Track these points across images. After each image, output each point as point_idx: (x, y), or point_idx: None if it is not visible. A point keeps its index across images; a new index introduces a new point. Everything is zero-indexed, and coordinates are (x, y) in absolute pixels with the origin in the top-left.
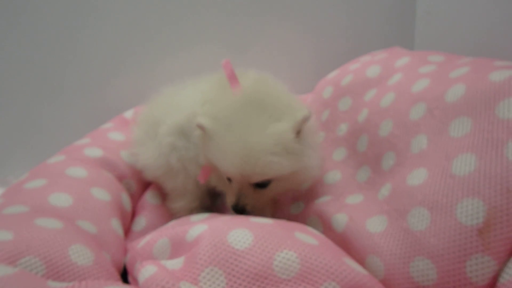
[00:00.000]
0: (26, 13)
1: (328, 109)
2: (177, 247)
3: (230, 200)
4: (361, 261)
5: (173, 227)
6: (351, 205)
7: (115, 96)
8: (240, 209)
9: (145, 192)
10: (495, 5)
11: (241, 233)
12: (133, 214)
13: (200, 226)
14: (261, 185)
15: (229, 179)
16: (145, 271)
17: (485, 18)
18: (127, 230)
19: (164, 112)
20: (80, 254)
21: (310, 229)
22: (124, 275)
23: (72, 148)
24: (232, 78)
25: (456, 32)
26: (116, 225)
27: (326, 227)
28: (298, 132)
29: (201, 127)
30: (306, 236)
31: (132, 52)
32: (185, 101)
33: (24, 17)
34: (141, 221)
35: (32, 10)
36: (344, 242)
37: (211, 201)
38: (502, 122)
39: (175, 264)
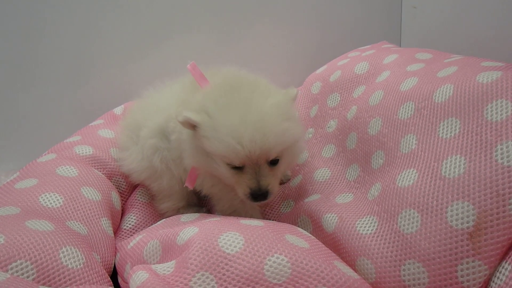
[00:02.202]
0: (17, 6)
1: (316, 104)
2: (168, 250)
3: (246, 187)
4: (351, 263)
5: (163, 228)
6: (341, 205)
7: (104, 91)
8: (263, 193)
9: (135, 190)
10: (480, 0)
11: (232, 236)
12: (123, 211)
13: (191, 229)
14: (274, 162)
15: (237, 168)
16: (136, 278)
17: (470, 12)
18: (116, 228)
19: (145, 116)
20: (71, 257)
21: (300, 230)
22: (113, 275)
23: (62, 146)
24: (201, 79)
25: (441, 26)
26: (105, 225)
27: (316, 227)
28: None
29: (188, 123)
30: (296, 239)
31: (122, 46)
32: (163, 103)
33: (14, 10)
34: (130, 219)
35: (24, 3)
36: (335, 243)
37: (198, 199)
38: (491, 124)
39: (166, 268)
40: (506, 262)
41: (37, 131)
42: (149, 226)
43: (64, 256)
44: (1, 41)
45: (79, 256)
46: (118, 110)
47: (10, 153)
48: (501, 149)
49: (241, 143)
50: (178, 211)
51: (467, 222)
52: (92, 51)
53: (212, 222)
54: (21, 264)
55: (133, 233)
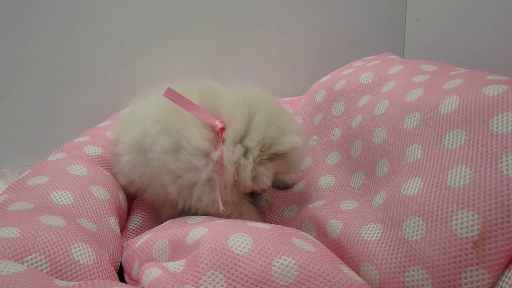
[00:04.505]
0: (27, 12)
1: (321, 112)
2: (177, 249)
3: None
4: (355, 268)
5: (171, 228)
6: (345, 211)
7: (109, 92)
8: None
9: None
10: (482, 13)
11: (240, 237)
12: (129, 212)
13: (200, 230)
14: None
15: None
16: (149, 273)
17: (472, 26)
18: (122, 228)
19: (120, 130)
20: (82, 253)
21: (306, 235)
22: (120, 273)
23: (72, 146)
24: (184, 103)
25: (444, 39)
26: (113, 224)
27: (320, 233)
28: None
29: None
30: (303, 242)
31: (128, 49)
32: (139, 118)
33: (24, 17)
34: (136, 219)
35: (35, 9)
36: (339, 249)
37: None
38: (497, 136)
39: (176, 266)
40: (509, 271)
41: (42, 130)
42: (154, 226)
43: (76, 252)
44: (9, 42)
45: (90, 252)
46: (128, 110)
47: (16, 151)
48: (506, 160)
49: (302, 160)
50: (180, 215)
51: (472, 231)
52: (98, 51)
53: (220, 224)
54: (35, 257)
55: (139, 233)
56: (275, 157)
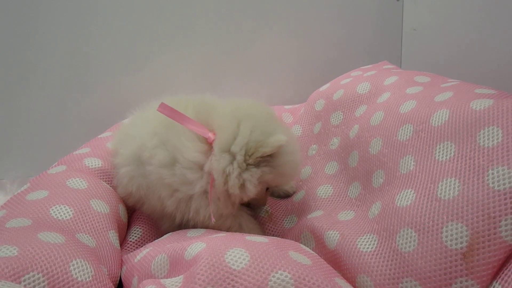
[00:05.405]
0: (31, 17)
1: (320, 121)
2: (176, 265)
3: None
4: (351, 279)
5: (170, 242)
6: (342, 222)
7: (115, 101)
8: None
9: None
10: (477, 23)
11: (238, 252)
12: (129, 224)
13: (198, 245)
14: None
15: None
16: None
17: (467, 35)
18: (122, 241)
19: (119, 142)
20: (81, 270)
21: (303, 247)
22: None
23: (72, 158)
24: (178, 117)
25: (440, 48)
26: (113, 238)
27: (318, 243)
28: None
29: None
30: (299, 256)
31: (133, 56)
32: (138, 131)
33: (29, 20)
34: (137, 232)
35: (39, 14)
36: (336, 260)
37: None
38: (483, 149)
39: (174, 283)
40: (496, 282)
41: (42, 140)
42: (155, 238)
43: (74, 269)
44: (13, 49)
45: (88, 269)
46: (127, 121)
47: (15, 162)
48: (492, 173)
49: (298, 169)
50: (179, 227)
51: (461, 243)
52: (103, 59)
53: (219, 238)
54: (33, 276)
55: (139, 245)
56: (263, 162)
